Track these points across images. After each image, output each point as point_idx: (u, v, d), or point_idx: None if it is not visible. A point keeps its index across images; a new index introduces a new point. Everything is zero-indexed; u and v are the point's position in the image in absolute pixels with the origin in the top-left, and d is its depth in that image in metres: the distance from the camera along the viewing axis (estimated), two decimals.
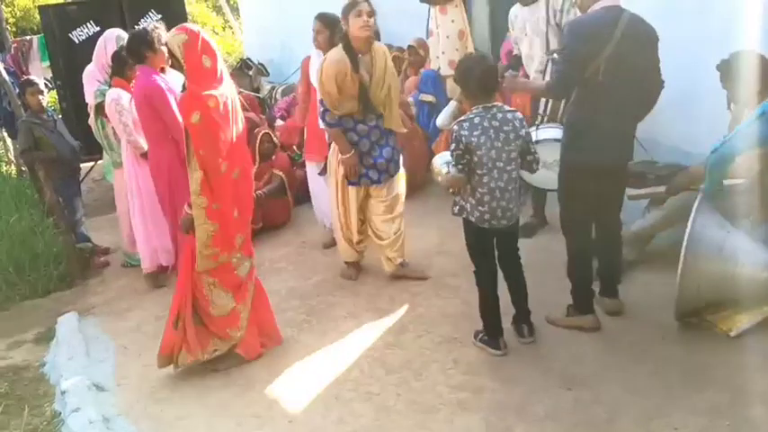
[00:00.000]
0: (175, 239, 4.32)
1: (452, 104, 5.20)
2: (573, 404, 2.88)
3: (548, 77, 4.19)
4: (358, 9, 3.70)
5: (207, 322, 3.38)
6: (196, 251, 3.25)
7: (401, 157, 4.14)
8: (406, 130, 4.21)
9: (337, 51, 3.80)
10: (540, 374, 3.10)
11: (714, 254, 3.21)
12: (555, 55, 4.09)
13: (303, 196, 6.00)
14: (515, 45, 4.70)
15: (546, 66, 4.29)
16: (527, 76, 4.47)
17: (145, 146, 4.41)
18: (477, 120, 3.07)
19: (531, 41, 4.49)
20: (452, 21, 5.47)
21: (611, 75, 3.06)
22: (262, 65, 9.30)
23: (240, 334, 3.40)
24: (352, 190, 4.04)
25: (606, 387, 2.96)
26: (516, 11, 4.58)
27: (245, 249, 3.40)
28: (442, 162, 3.24)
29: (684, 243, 3.16)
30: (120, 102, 4.44)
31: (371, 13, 3.74)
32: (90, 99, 4.97)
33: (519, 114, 3.15)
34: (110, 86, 4.63)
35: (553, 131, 3.90)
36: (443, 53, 5.48)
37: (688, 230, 3.17)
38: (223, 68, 3.21)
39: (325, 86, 3.79)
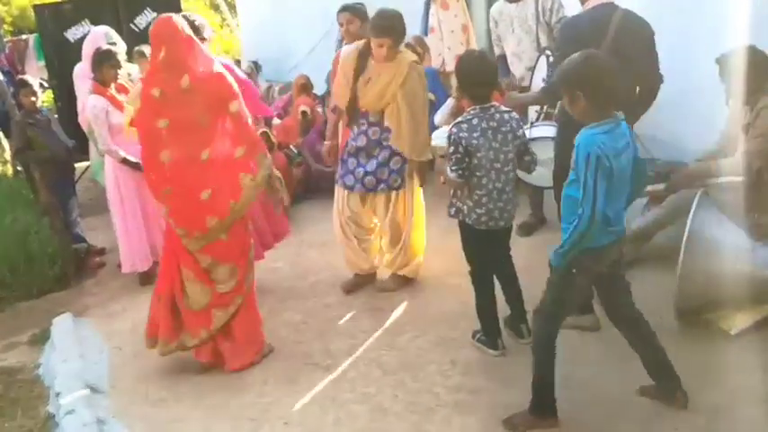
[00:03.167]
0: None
1: (450, 102, 5.19)
2: (572, 404, 2.84)
3: (537, 75, 4.18)
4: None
5: (182, 314, 3.35)
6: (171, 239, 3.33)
7: (396, 178, 3.84)
8: (414, 159, 3.84)
9: (355, 47, 3.83)
10: None
11: (714, 252, 3.18)
12: (548, 52, 4.07)
13: (301, 196, 5.99)
14: (498, 43, 4.66)
15: (536, 63, 4.27)
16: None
17: (121, 154, 4.42)
18: (475, 121, 3.01)
19: (520, 39, 4.46)
20: (455, 16, 5.46)
21: None
22: (254, 62, 9.26)
23: (206, 336, 3.35)
24: (339, 189, 3.99)
25: (606, 387, 2.94)
26: (501, 7, 4.54)
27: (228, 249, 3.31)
28: (441, 138, 3.21)
29: (684, 241, 3.14)
30: (95, 110, 4.41)
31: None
32: (82, 97, 4.94)
33: (515, 114, 3.12)
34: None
35: (547, 129, 3.89)
36: (449, 49, 5.46)
37: (687, 228, 3.14)
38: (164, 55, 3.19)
39: (337, 74, 3.93)
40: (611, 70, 2.46)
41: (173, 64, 3.15)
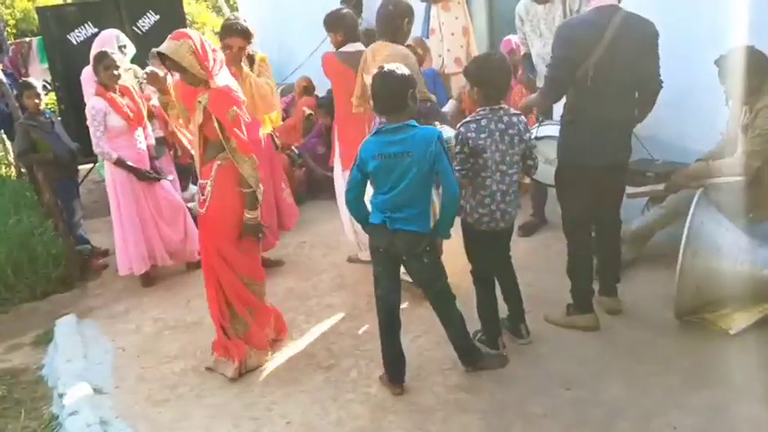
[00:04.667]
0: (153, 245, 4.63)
1: (452, 103, 5.20)
2: (572, 404, 2.86)
3: None
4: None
5: (256, 318, 3.44)
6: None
7: None
8: None
9: (402, 48, 3.78)
10: (539, 374, 3.09)
11: (713, 252, 3.20)
12: None
13: (302, 197, 6.01)
14: (525, 43, 4.63)
15: None
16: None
17: (113, 156, 4.44)
18: (483, 121, 3.00)
19: (546, 41, 4.44)
20: (456, 18, 5.46)
21: (601, 78, 3.03)
22: None
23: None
24: None
25: (605, 386, 2.95)
26: (528, 6, 4.49)
27: None
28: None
29: (683, 241, 3.15)
30: (92, 112, 4.42)
31: None
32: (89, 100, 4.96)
33: (523, 118, 3.11)
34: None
35: (555, 128, 3.88)
36: (449, 51, 5.45)
37: (686, 228, 3.15)
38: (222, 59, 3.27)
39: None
40: (388, 85, 2.81)
41: None
